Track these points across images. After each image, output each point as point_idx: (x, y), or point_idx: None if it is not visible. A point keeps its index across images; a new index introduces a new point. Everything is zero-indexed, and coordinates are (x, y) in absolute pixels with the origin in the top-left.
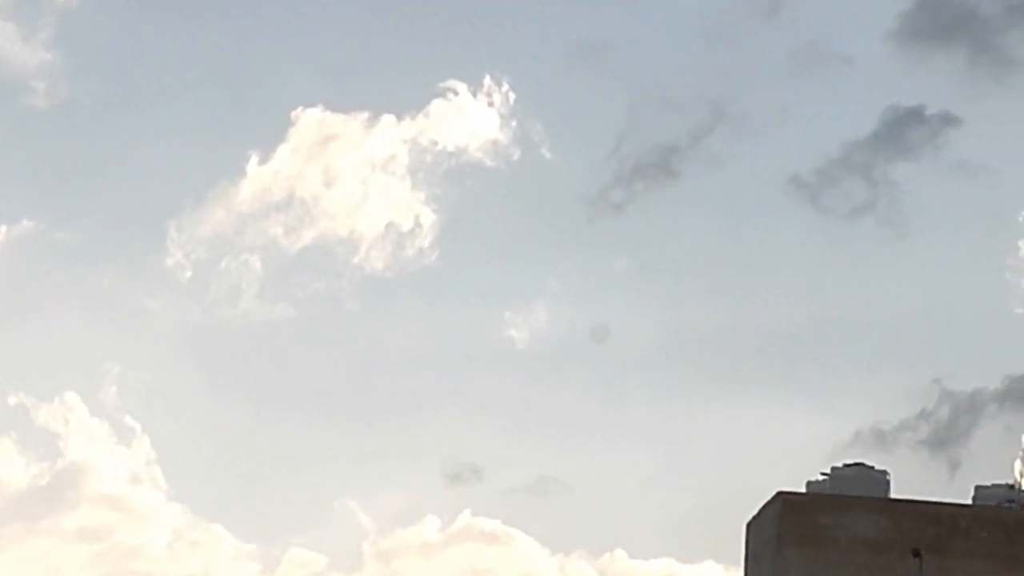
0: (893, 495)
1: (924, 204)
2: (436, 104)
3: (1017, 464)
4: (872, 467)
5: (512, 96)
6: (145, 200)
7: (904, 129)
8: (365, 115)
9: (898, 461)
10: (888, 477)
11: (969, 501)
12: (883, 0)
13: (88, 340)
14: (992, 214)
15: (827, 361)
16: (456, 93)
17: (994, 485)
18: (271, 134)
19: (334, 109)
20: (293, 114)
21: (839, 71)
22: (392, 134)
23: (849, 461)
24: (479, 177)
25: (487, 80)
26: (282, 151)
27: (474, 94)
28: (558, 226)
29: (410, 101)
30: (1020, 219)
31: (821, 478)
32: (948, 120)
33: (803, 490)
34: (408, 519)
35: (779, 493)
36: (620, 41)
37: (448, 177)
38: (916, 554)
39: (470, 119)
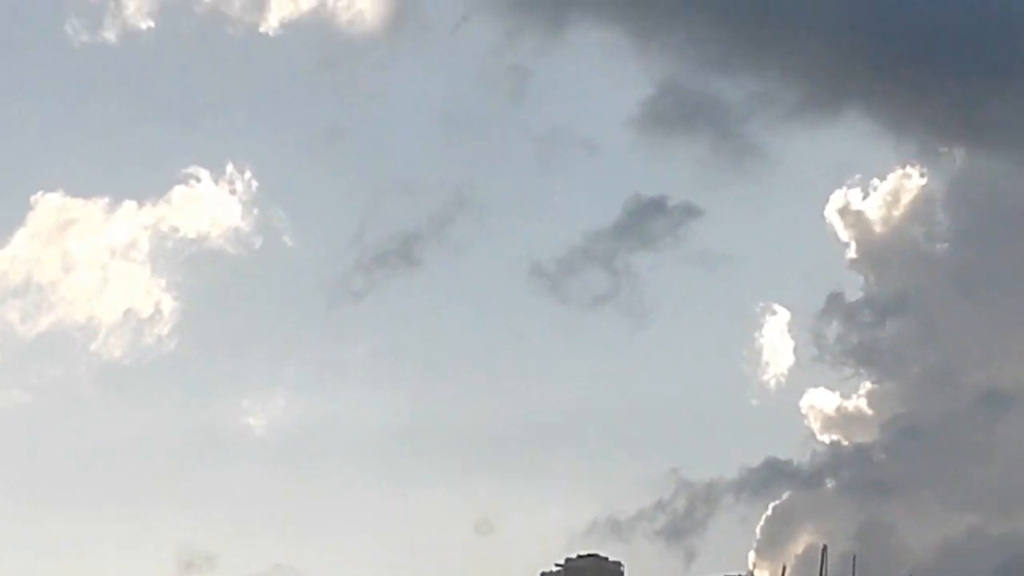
0: None
1: (665, 294)
2: (178, 190)
3: (751, 555)
4: (606, 558)
5: (255, 183)
6: None
7: (646, 219)
8: (105, 200)
9: (634, 551)
10: (623, 568)
11: None
12: (626, 86)
13: None
14: (731, 305)
15: (565, 450)
16: (198, 180)
17: None
18: (9, 218)
19: (74, 194)
20: (32, 198)
21: (583, 158)
22: (133, 220)
23: (584, 552)
24: (220, 264)
25: (229, 167)
26: (20, 236)
27: (216, 181)
28: (298, 314)
29: (152, 187)
30: (757, 310)
31: (555, 569)
32: (690, 211)
33: None
34: None
35: None
36: (362, 127)
37: (189, 264)
38: None
39: (212, 206)
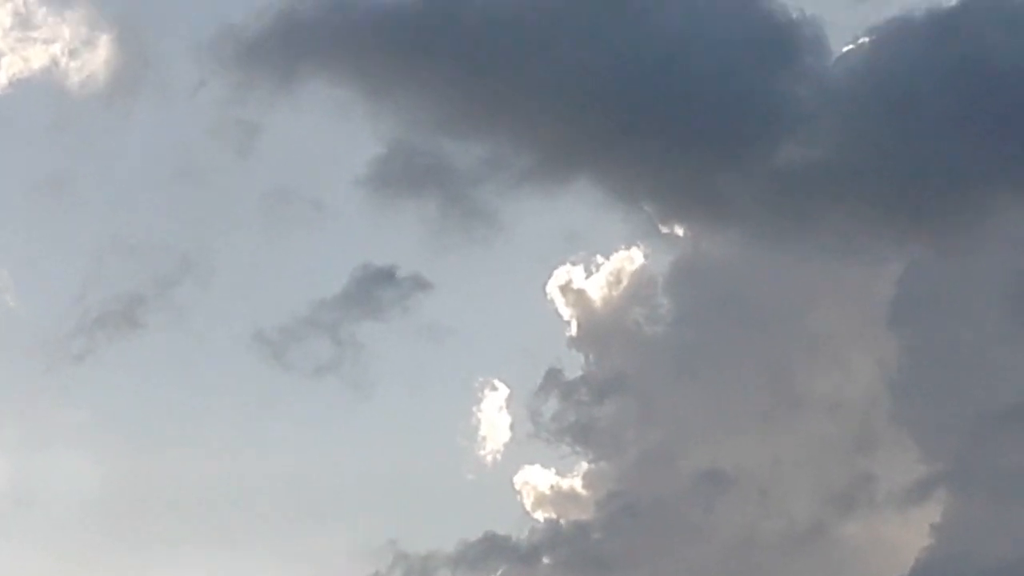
0: None
1: (389, 366)
2: None
3: None
4: None
5: None
6: None
7: (375, 290)
8: None
9: None
10: None
11: None
12: (355, 144)
13: None
14: (452, 379)
15: (282, 519)
16: None
17: None
18: None
19: None
20: None
21: (310, 219)
22: None
23: None
24: None
25: None
26: None
27: None
28: (15, 375)
29: None
30: (476, 384)
31: None
32: (419, 283)
33: None
34: None
35: None
36: (89, 187)
37: None
38: None
39: None
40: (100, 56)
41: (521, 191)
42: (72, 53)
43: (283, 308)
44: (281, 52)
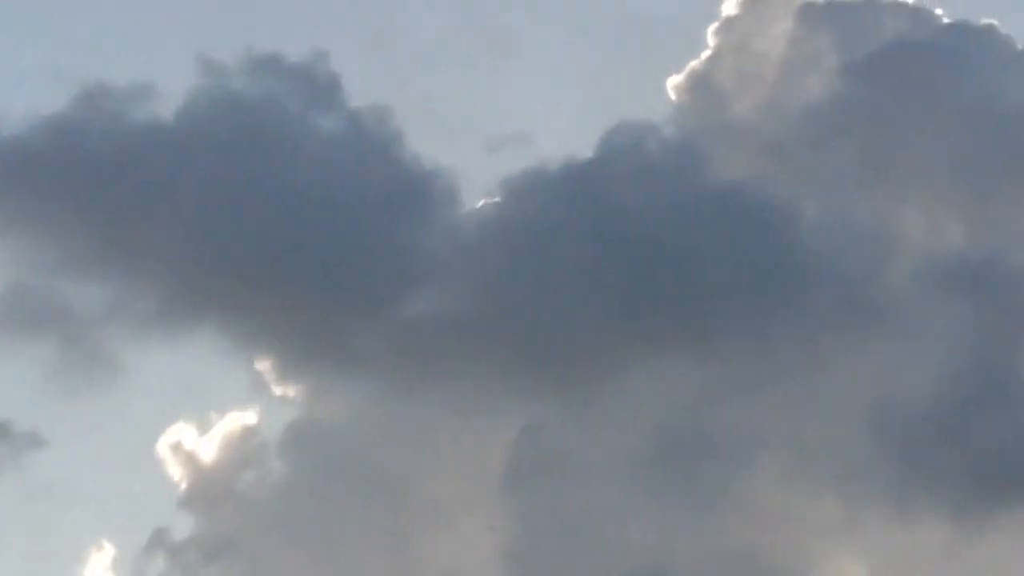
0: None
1: (4, 529)
2: None
3: None
4: None
5: None
6: None
7: None
8: None
9: None
10: None
11: None
12: None
13: None
14: (63, 539)
15: None
16: None
17: None
18: None
19: None
20: None
21: None
22: None
23: None
24: None
25: None
26: None
27: None
28: None
29: None
30: (84, 544)
31: None
32: (35, 440)
33: None
34: None
35: None
36: None
37: None
38: None
39: None
40: None
41: (143, 336)
42: None
43: None
44: None
